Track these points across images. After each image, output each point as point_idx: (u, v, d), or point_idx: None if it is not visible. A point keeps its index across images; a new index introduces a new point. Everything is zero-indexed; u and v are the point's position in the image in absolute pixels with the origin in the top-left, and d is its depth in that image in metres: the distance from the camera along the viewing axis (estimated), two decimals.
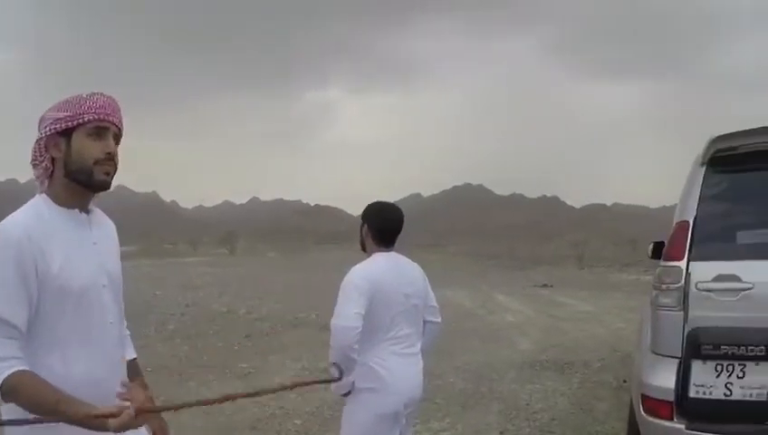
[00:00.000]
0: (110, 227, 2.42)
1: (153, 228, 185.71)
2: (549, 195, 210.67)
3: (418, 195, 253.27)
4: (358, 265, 3.51)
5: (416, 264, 3.79)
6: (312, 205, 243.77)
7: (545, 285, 25.81)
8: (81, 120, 2.13)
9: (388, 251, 3.64)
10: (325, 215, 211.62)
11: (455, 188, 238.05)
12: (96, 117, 2.15)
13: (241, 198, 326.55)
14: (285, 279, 26.41)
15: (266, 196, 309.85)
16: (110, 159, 2.20)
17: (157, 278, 25.63)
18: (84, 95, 2.16)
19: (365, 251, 3.69)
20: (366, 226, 3.67)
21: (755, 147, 4.23)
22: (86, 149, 2.15)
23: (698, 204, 4.21)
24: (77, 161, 2.15)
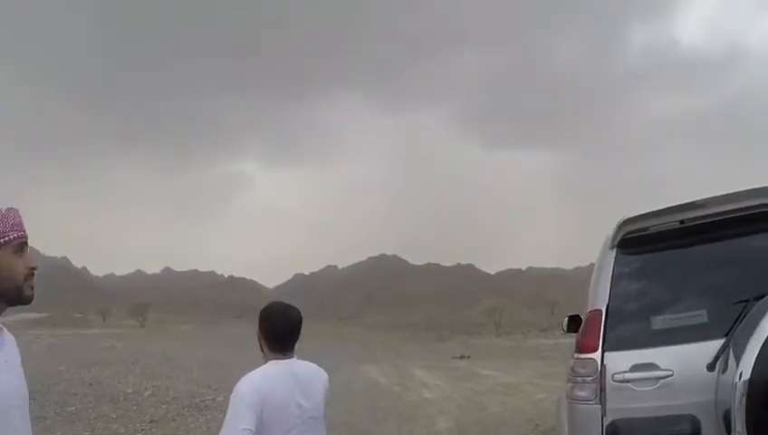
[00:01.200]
0: (13, 342, 2.27)
1: (62, 296, 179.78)
2: (464, 263, 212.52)
3: (335, 267, 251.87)
4: (249, 374, 3.16)
5: (318, 369, 3.44)
6: (227, 277, 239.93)
7: (463, 357, 25.74)
8: (7, 238, 2.12)
9: (286, 357, 3.29)
10: (239, 287, 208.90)
11: (370, 259, 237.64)
12: (19, 234, 2.16)
13: (154, 268, 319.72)
14: (196, 356, 25.58)
15: (180, 266, 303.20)
16: (33, 274, 2.19)
17: (61, 352, 24.51)
18: (4, 210, 2.14)
19: (264, 355, 3.36)
20: (259, 330, 3.35)
21: (665, 226, 4.18)
22: (16, 266, 2.13)
23: (610, 290, 4.09)
24: (8, 278, 2.12)
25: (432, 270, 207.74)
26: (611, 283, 4.11)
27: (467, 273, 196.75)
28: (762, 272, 3.94)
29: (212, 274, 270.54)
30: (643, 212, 4.22)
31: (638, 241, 4.23)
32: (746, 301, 3.70)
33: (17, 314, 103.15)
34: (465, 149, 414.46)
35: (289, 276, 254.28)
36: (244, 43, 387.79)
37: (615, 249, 4.23)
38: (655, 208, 4.21)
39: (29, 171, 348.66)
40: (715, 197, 4.07)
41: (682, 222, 4.15)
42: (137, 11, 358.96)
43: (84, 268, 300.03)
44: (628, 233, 4.22)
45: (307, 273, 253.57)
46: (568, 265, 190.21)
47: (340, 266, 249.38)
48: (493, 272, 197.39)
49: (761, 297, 3.60)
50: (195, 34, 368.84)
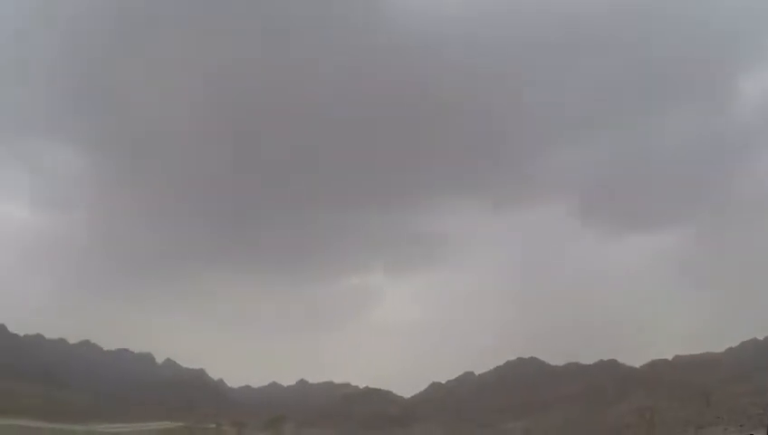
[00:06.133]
0: None
1: (198, 406, 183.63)
2: (606, 358, 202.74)
3: (471, 373, 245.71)
4: None
5: None
6: (362, 387, 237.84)
7: None
8: None
9: None
10: (375, 397, 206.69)
11: (507, 363, 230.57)
12: None
13: (288, 380, 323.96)
14: None
15: (314, 378, 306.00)
16: None
17: None
18: None
19: None
20: None
21: None
22: None
23: None
24: None
25: (572, 370, 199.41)
26: None
27: (610, 369, 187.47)
28: None
29: (347, 385, 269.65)
30: None
31: None
32: None
33: (155, 422, 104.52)
34: (590, 240, 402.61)
35: (425, 385, 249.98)
36: (363, 154, 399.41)
37: None
38: None
39: (162, 287, 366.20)
40: None
41: None
42: (257, 126, 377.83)
43: (221, 380, 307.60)
44: None
45: (443, 381, 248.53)
46: (718, 347, 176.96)
47: (477, 372, 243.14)
48: (637, 365, 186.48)
49: None
50: (316, 149, 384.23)
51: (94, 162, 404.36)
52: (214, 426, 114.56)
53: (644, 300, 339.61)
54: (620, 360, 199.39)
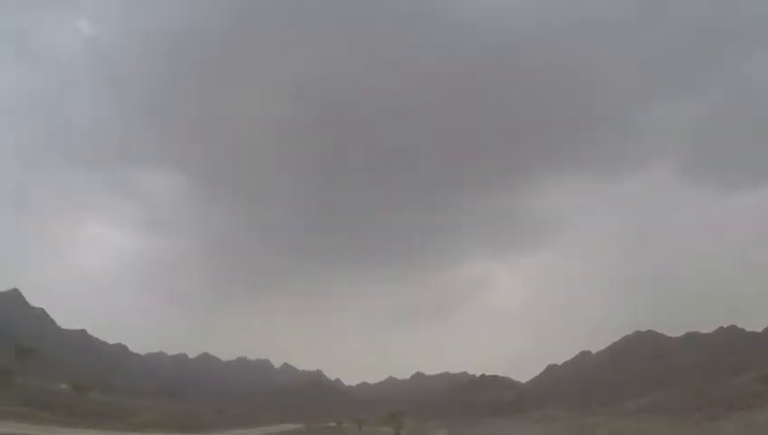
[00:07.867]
0: None
1: (317, 406, 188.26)
2: (725, 325, 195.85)
3: (588, 352, 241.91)
4: None
5: None
6: (478, 376, 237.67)
7: None
8: None
9: None
10: (492, 385, 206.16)
11: (624, 338, 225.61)
12: None
13: (405, 374, 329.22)
14: None
15: (430, 370, 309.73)
16: None
17: None
18: None
19: None
20: None
21: None
22: None
23: None
24: None
25: (692, 340, 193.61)
26: None
27: (731, 336, 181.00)
28: None
29: (464, 374, 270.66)
30: None
31: None
32: None
33: (277, 425, 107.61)
34: (695, 202, 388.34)
35: (542, 368, 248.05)
36: (465, 147, 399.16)
37: None
38: None
39: (273, 294, 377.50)
40: None
41: None
42: (347, 130, 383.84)
43: (337, 379, 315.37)
44: None
45: (560, 362, 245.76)
46: None
47: (593, 351, 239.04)
48: (759, 329, 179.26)
49: None
50: (414, 146, 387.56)
51: (193, 182, 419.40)
52: (334, 425, 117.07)
53: (759, 260, 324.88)
54: (740, 325, 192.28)
